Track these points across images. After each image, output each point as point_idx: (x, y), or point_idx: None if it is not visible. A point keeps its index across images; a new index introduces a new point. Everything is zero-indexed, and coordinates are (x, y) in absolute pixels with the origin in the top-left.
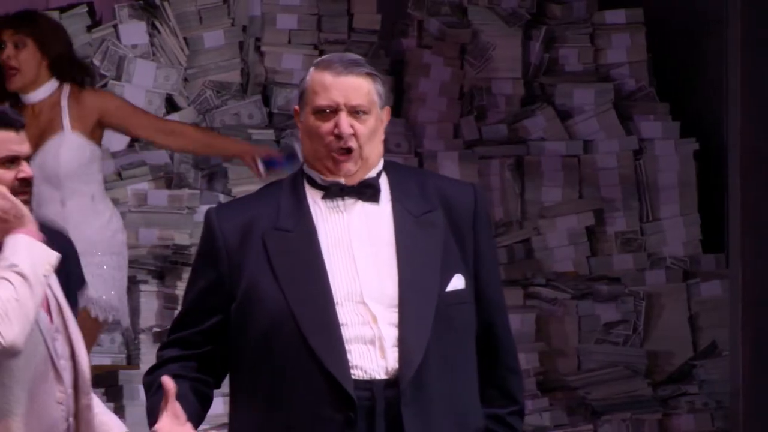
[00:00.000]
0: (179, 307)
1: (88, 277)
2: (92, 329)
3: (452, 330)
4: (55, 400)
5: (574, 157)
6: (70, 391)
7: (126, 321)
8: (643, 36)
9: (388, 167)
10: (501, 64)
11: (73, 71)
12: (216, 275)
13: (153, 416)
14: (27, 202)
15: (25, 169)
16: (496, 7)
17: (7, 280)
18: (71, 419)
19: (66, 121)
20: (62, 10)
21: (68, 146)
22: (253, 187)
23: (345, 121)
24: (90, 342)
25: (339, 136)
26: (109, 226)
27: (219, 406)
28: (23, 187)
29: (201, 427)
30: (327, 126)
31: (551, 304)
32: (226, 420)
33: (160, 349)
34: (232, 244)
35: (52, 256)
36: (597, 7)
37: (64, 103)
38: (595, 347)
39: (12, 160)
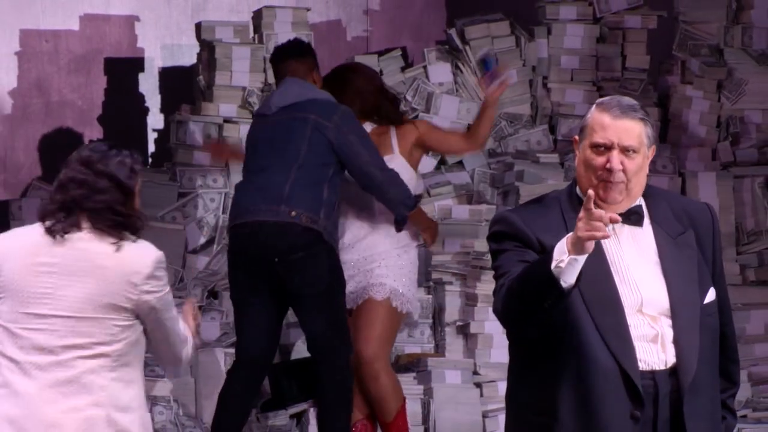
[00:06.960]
0: (478, 304)
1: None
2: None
3: (709, 336)
4: None
5: None
6: None
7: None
8: None
9: (644, 192)
10: (753, 98)
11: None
12: (527, 249)
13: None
14: None
15: None
16: (748, 48)
17: None
18: None
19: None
20: (380, 54)
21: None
22: None
23: (616, 158)
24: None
25: (609, 170)
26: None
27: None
28: None
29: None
30: (600, 160)
31: None
32: None
33: (495, 293)
34: (539, 238)
35: None
36: None
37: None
38: None
39: None
